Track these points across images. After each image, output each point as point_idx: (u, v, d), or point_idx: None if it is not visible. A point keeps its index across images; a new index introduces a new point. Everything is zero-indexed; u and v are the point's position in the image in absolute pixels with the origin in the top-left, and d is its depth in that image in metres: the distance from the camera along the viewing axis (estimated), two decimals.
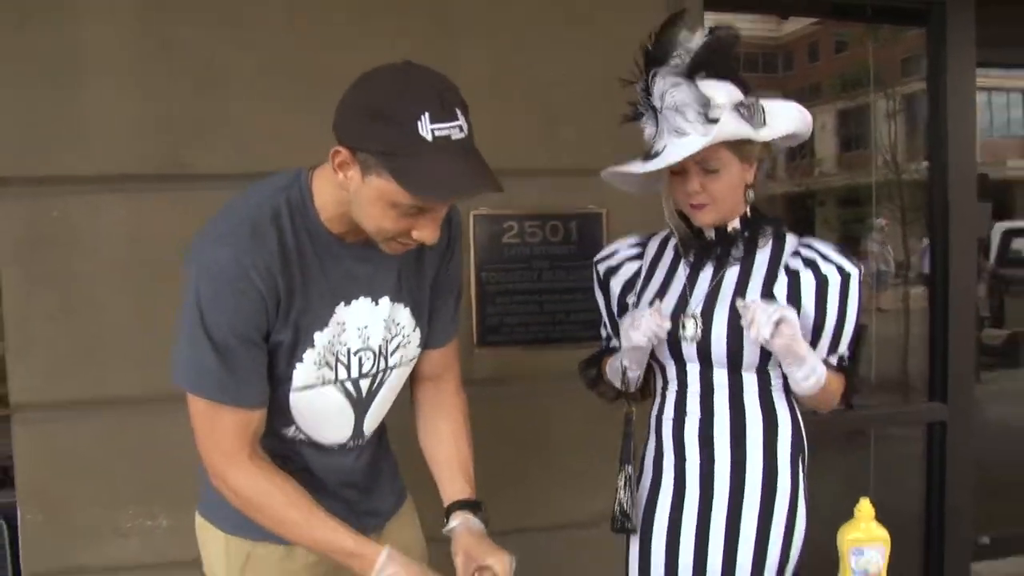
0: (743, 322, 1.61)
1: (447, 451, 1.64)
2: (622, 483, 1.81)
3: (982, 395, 3.35)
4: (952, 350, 3.05)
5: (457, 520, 1.55)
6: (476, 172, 1.31)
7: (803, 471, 1.81)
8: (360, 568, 1.43)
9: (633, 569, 1.87)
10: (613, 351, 1.90)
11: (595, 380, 1.94)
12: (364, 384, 1.55)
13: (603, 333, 1.96)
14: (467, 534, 1.53)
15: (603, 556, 2.03)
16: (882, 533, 1.64)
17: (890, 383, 4.14)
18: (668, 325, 1.67)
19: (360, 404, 1.56)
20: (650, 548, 1.82)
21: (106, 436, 2.28)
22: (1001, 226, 9.17)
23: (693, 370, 1.76)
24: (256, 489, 1.43)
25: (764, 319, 1.57)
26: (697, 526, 1.77)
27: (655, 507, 1.83)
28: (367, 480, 1.66)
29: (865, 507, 1.64)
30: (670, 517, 1.80)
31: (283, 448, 1.51)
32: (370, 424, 1.62)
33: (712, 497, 1.77)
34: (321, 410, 1.53)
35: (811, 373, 1.65)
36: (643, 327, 1.66)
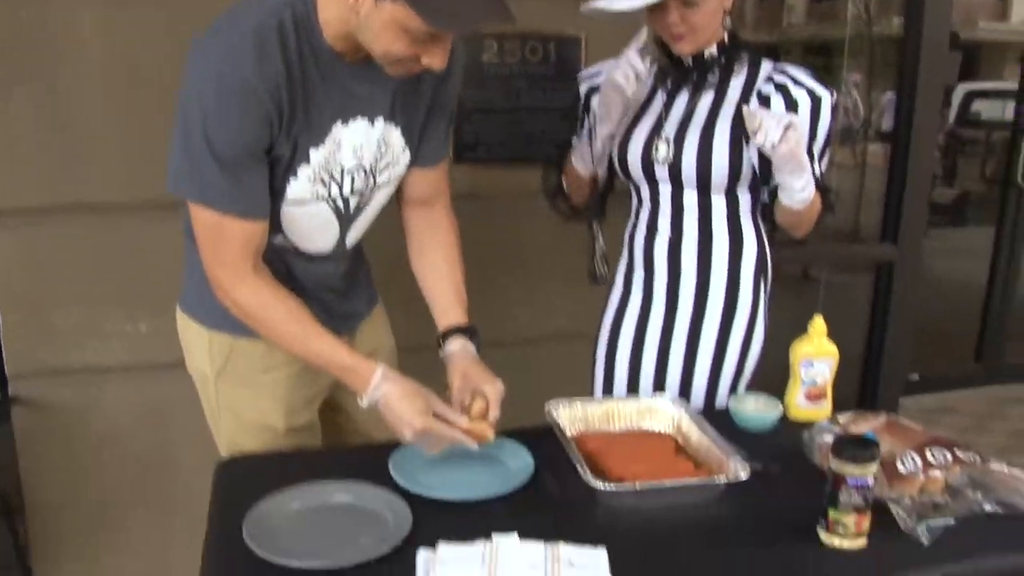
0: (749, 129, 1.62)
1: (442, 278, 1.70)
2: (596, 232, 1.89)
3: (928, 251, 3.51)
4: (908, 193, 3.16)
5: (456, 344, 1.62)
6: (492, 2, 1.32)
7: (765, 291, 1.92)
8: (354, 383, 1.51)
9: (598, 378, 2.00)
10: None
11: (555, 191, 1.97)
12: (353, 201, 1.59)
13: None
14: (465, 358, 1.61)
15: (571, 368, 2.16)
16: (831, 348, 1.77)
17: (844, 234, 4.28)
18: (643, 68, 1.68)
19: (346, 219, 1.61)
20: (615, 358, 1.95)
21: (87, 242, 2.31)
22: (964, 87, 9.26)
23: (665, 191, 1.83)
24: (259, 302, 1.49)
25: (773, 124, 1.59)
26: (660, 336, 1.90)
27: (622, 319, 1.94)
28: (344, 285, 1.74)
29: (818, 323, 1.77)
30: (636, 328, 1.92)
31: (269, 254, 1.56)
32: (352, 238, 1.68)
33: (676, 310, 1.88)
34: (310, 224, 1.57)
35: (808, 184, 1.70)
36: (622, 64, 1.68)
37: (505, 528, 1.34)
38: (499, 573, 1.21)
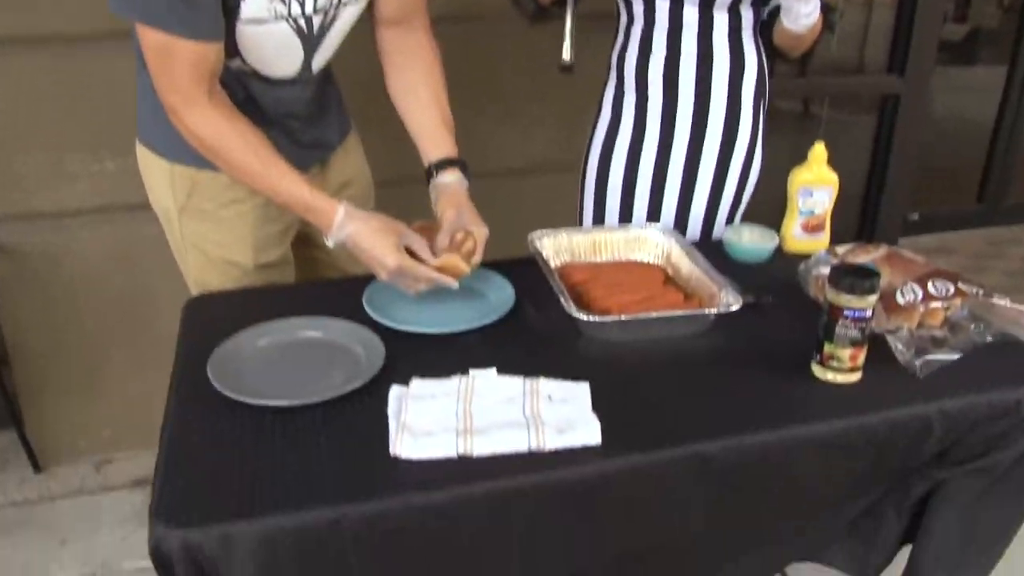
0: None
1: (427, 106, 1.58)
2: (568, 12, 1.67)
3: (935, 88, 3.33)
4: (918, 21, 2.97)
5: (452, 176, 1.54)
6: None
7: (764, 116, 1.80)
8: (317, 222, 1.41)
9: (588, 210, 1.91)
10: None
11: None
12: (316, 20, 1.43)
13: None
14: (460, 192, 1.53)
15: (558, 199, 2.06)
16: (831, 176, 1.67)
17: (848, 70, 4.07)
18: None
19: (309, 41, 1.46)
20: (606, 188, 1.85)
21: (45, 78, 2.15)
22: None
23: (662, 6, 1.68)
24: (215, 132, 1.37)
25: None
26: (655, 165, 1.79)
27: (613, 146, 1.82)
28: (312, 112, 1.60)
29: (818, 150, 1.66)
30: (628, 156, 1.81)
31: (226, 77, 1.43)
32: (319, 61, 1.53)
33: (672, 139, 1.76)
34: (270, 46, 1.43)
35: (815, 9, 1.58)
36: None
37: (483, 363, 1.28)
38: (475, 408, 1.15)
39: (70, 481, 2.47)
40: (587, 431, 1.10)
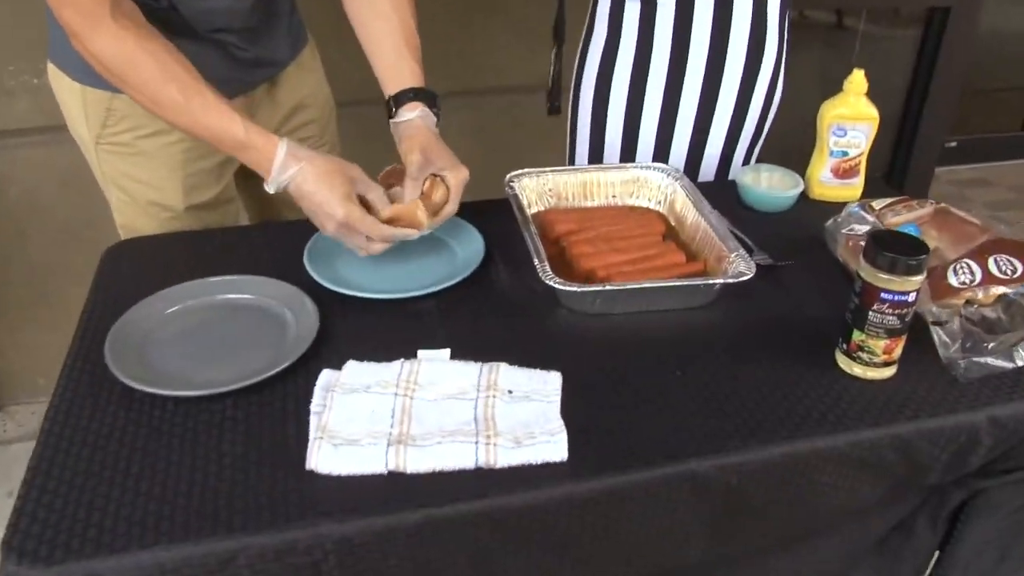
0: None
1: (387, 22, 1.31)
2: (553, 59, 1.54)
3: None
4: None
5: (414, 111, 1.27)
6: None
7: (788, 29, 1.53)
8: (254, 163, 1.16)
9: (582, 147, 1.65)
10: None
11: None
12: None
13: None
14: (425, 131, 1.26)
15: (555, 127, 1.80)
16: (871, 111, 1.40)
17: None
18: None
19: None
20: (604, 120, 1.58)
21: None
22: None
23: None
24: (122, 56, 1.10)
25: None
26: (665, 91, 1.52)
27: (612, 69, 1.55)
28: (254, 23, 1.33)
29: (857, 79, 1.39)
30: (631, 81, 1.53)
31: None
32: None
33: (687, 55, 1.49)
34: None
35: None
36: None
37: (437, 337, 1.06)
38: (415, 407, 0.93)
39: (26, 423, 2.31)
40: (551, 444, 0.89)
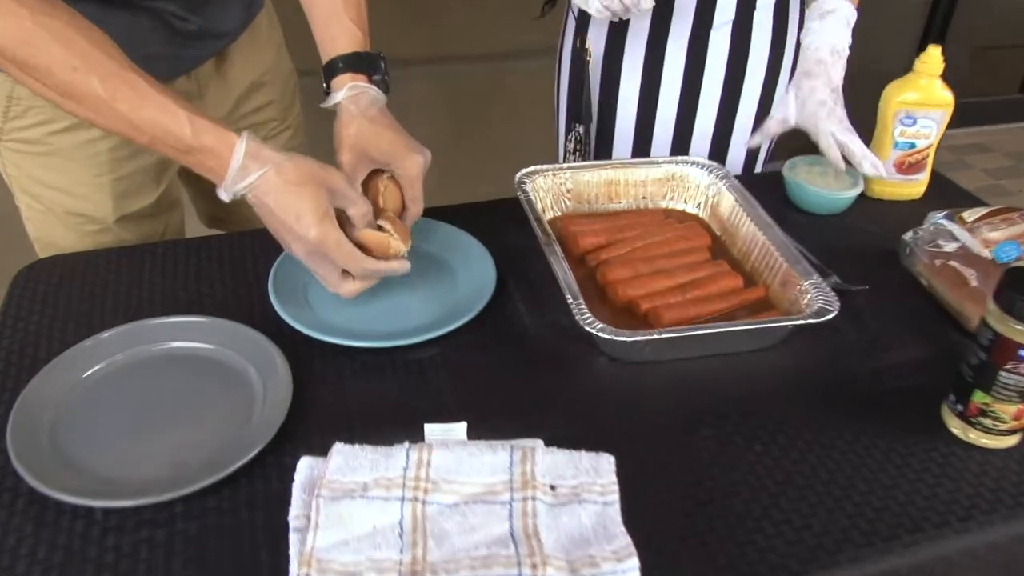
0: None
1: None
2: (572, 146, 1.32)
3: None
4: None
5: (341, 90, 0.97)
6: None
7: None
8: (207, 167, 0.86)
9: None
10: None
11: None
12: None
13: None
14: (357, 118, 0.96)
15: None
16: (946, 96, 1.18)
17: None
18: None
19: None
20: (615, 100, 1.33)
21: None
22: None
23: None
24: (18, 36, 0.80)
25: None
26: (686, 67, 1.28)
27: (624, 40, 1.30)
28: None
29: (933, 58, 1.16)
30: (647, 53, 1.29)
31: None
32: None
33: (713, 16, 1.25)
34: None
35: None
36: None
37: (444, 402, 0.83)
38: (430, 517, 0.70)
39: None
40: (618, 566, 0.66)
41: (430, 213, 1.08)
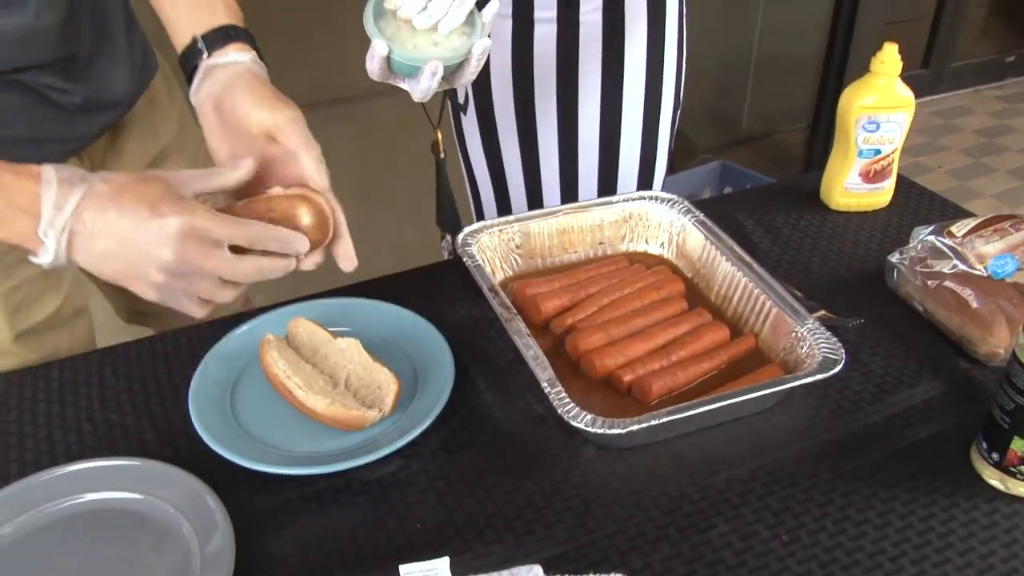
0: None
1: None
2: (446, 255, 1.23)
3: None
4: None
5: (226, 56, 0.80)
6: None
7: None
8: (22, 208, 0.66)
9: (478, 164, 1.32)
10: None
11: None
12: None
13: None
14: (246, 81, 0.78)
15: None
16: (907, 97, 1.10)
17: None
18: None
19: None
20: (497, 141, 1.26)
21: None
22: None
23: None
24: None
25: None
26: (560, 90, 1.20)
27: (487, 64, 1.21)
28: (72, 49, 0.88)
29: (890, 57, 1.08)
30: (514, 73, 1.20)
31: None
32: None
33: (577, 43, 1.17)
34: None
35: None
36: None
37: (412, 529, 0.70)
38: None
39: None
40: None
41: (361, 290, 0.96)
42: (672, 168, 2.38)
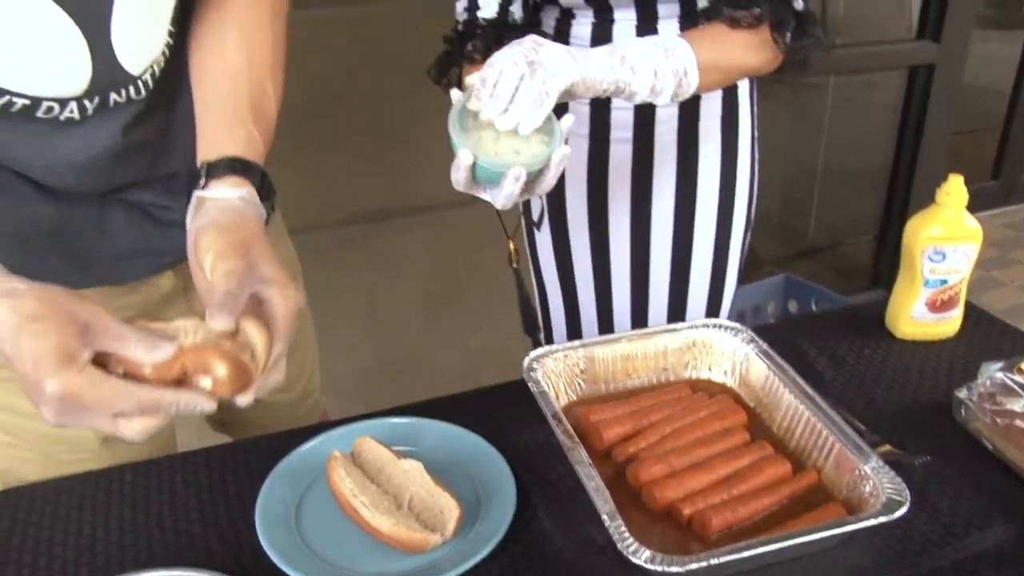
0: None
1: (225, 61, 0.87)
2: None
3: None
4: None
5: (216, 191, 0.79)
6: None
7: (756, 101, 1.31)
8: None
9: (549, 278, 1.37)
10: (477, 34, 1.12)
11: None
12: None
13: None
14: (219, 220, 0.77)
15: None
16: (974, 229, 1.10)
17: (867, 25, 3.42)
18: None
19: (84, 12, 0.76)
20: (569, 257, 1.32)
21: None
22: None
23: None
24: None
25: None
26: (633, 210, 1.26)
27: (562, 181, 1.27)
28: (168, 165, 0.92)
29: (955, 189, 1.09)
30: (589, 192, 1.26)
31: None
32: (132, 55, 0.82)
33: (652, 163, 1.23)
34: None
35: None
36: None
37: None
38: None
39: None
40: None
41: (427, 408, 0.98)
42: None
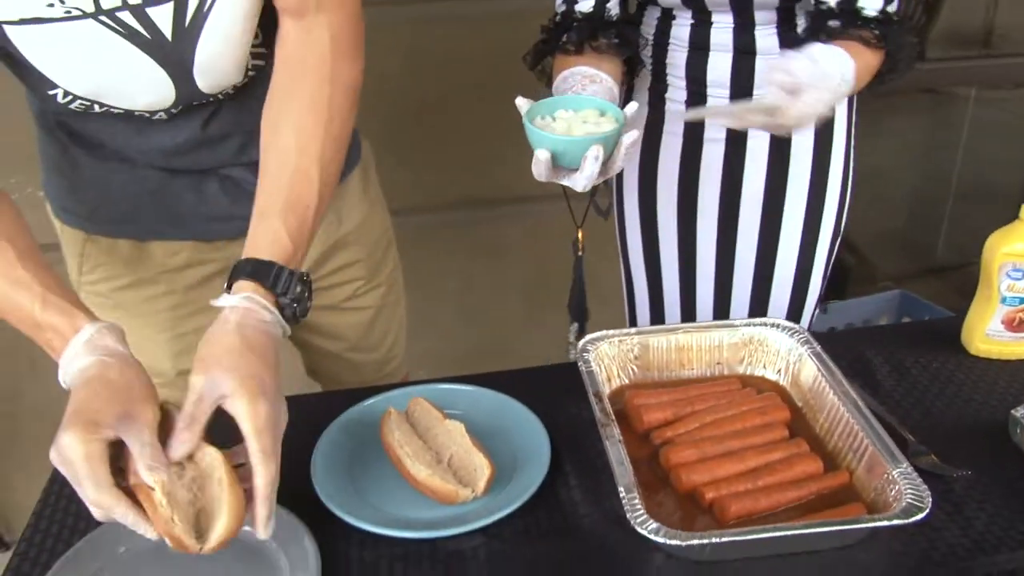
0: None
1: (279, 159, 0.90)
2: (572, 338, 1.33)
3: None
4: None
5: (223, 298, 0.83)
6: None
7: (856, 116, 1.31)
8: (54, 349, 0.80)
9: (638, 278, 1.40)
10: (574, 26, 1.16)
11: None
12: (160, 17, 0.84)
13: None
14: (212, 332, 0.81)
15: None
16: None
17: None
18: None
19: (169, 53, 0.88)
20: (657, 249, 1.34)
21: None
22: None
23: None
24: None
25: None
26: (721, 209, 1.28)
27: (655, 177, 1.30)
28: (238, 154, 1.02)
29: None
30: (680, 188, 1.29)
31: (74, 122, 0.98)
32: (213, 85, 0.94)
33: (743, 163, 1.25)
34: (91, 61, 0.86)
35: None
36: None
37: None
38: None
39: None
40: None
41: (486, 380, 1.05)
42: (843, 293, 2.34)
